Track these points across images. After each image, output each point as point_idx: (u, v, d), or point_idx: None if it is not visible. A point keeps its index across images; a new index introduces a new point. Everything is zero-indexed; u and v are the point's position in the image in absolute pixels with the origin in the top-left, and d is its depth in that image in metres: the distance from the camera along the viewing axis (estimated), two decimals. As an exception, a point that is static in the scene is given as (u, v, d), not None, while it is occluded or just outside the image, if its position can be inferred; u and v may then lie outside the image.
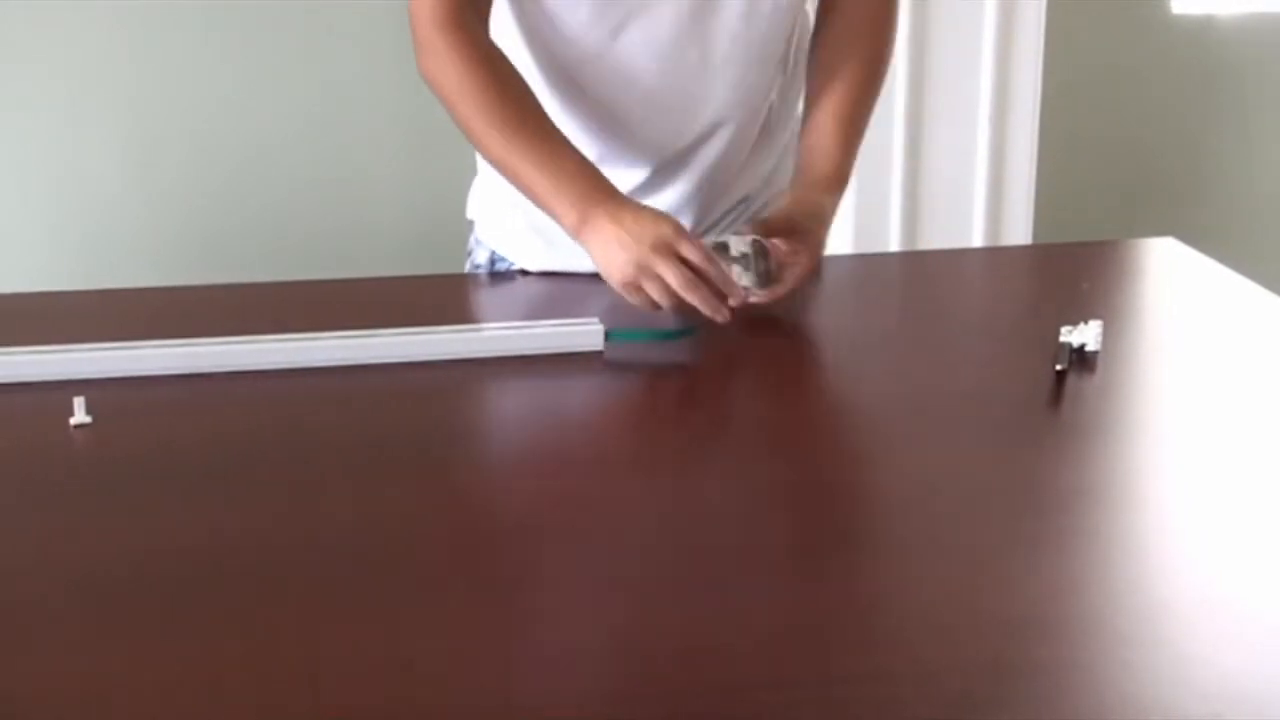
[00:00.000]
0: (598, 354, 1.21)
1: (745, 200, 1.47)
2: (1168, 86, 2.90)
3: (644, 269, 1.21)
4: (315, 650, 0.76)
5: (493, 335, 1.23)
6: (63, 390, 1.10)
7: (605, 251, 1.24)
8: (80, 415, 1.07)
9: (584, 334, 1.22)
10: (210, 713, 0.71)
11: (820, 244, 1.30)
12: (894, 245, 2.45)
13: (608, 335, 1.22)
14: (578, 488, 0.99)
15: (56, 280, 2.42)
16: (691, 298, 1.21)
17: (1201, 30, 2.87)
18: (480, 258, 1.53)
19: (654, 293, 1.22)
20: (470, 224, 1.55)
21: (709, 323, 1.22)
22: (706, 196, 1.44)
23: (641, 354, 1.22)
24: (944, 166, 2.45)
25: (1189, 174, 2.96)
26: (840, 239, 2.38)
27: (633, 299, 1.24)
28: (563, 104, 1.38)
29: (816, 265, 1.29)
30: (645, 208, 1.28)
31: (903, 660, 0.75)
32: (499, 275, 1.49)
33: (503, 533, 0.92)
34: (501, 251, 1.50)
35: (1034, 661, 0.75)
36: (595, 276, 1.28)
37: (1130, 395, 1.16)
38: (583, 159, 1.30)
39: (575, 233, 1.27)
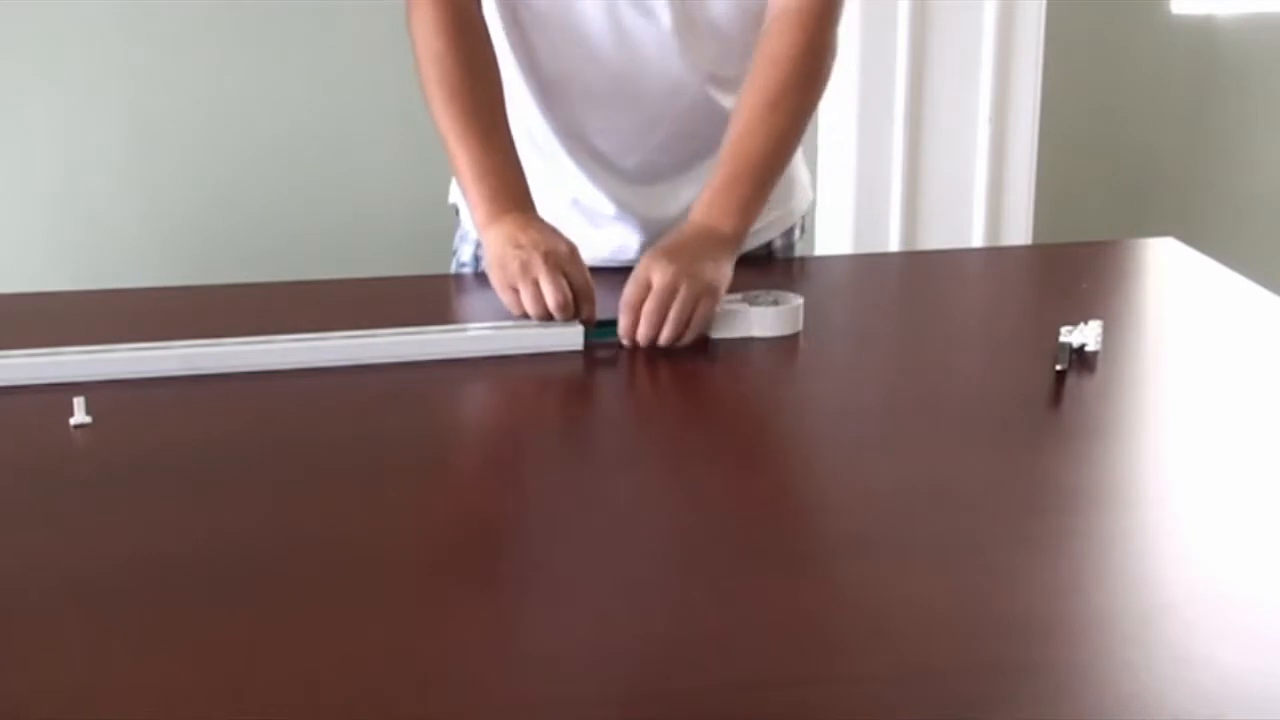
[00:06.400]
0: (596, 352, 1.21)
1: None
2: (1168, 86, 2.90)
3: (526, 273, 1.22)
4: (315, 650, 0.76)
5: (478, 335, 1.23)
6: (63, 391, 1.10)
7: (500, 247, 1.25)
8: (80, 415, 1.07)
9: (564, 335, 1.22)
10: (209, 713, 0.71)
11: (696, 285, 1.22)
12: (894, 245, 2.46)
13: (588, 334, 1.22)
14: (576, 487, 0.99)
15: (56, 280, 2.42)
16: (559, 314, 1.21)
17: (1201, 30, 2.88)
18: (465, 255, 1.53)
19: (526, 299, 1.22)
20: (454, 209, 1.56)
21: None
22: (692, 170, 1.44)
23: (639, 353, 1.22)
24: (944, 166, 2.45)
25: (1189, 174, 2.96)
26: (841, 239, 2.39)
27: (504, 297, 1.25)
28: (546, 98, 1.40)
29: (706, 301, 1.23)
30: (553, 227, 1.28)
31: (903, 660, 0.75)
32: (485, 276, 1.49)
33: (501, 532, 0.92)
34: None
35: (1034, 661, 0.75)
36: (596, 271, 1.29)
37: (1130, 395, 1.16)
38: (516, 162, 1.31)
39: (482, 225, 1.29)
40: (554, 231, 1.28)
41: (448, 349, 1.21)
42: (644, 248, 1.43)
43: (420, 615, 0.80)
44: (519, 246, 1.23)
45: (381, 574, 0.85)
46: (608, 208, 1.43)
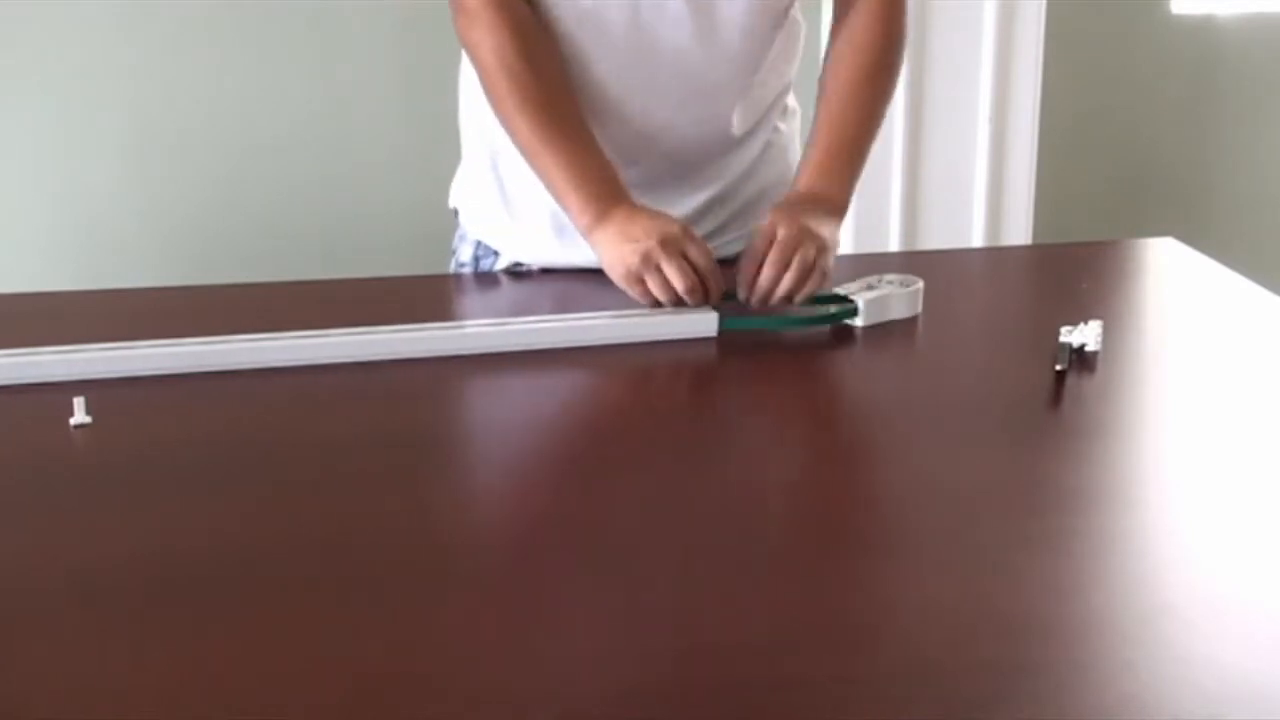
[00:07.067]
0: (595, 355, 1.21)
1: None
2: (1168, 86, 2.90)
3: (648, 263, 1.24)
4: (316, 650, 0.76)
5: (612, 323, 1.24)
6: (63, 390, 1.10)
7: (614, 246, 1.26)
8: (80, 415, 1.07)
9: (699, 321, 1.25)
10: (210, 713, 0.71)
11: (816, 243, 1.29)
12: (894, 245, 2.46)
13: (723, 323, 1.25)
14: (579, 487, 0.99)
15: (56, 280, 2.42)
16: (689, 298, 1.24)
17: (1201, 30, 2.87)
18: (465, 255, 1.53)
19: (654, 287, 1.24)
20: (454, 213, 1.56)
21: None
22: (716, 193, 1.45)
23: (638, 355, 1.22)
24: (944, 166, 2.45)
25: (1188, 174, 2.96)
26: (840, 238, 2.39)
27: (633, 291, 1.27)
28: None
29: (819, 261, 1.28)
30: (658, 212, 1.30)
31: (903, 660, 0.75)
32: (520, 274, 1.49)
33: (504, 532, 0.92)
34: (488, 241, 1.50)
35: (1034, 661, 0.75)
36: (592, 273, 1.29)
37: (1130, 395, 1.16)
38: (605, 159, 1.32)
39: (588, 229, 1.29)
40: (663, 216, 1.29)
41: (576, 337, 1.22)
42: None
43: (420, 614, 0.80)
44: (634, 240, 1.25)
45: (383, 573, 0.85)
46: None
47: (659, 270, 1.24)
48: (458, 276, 1.53)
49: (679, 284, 1.24)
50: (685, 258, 1.25)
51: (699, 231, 1.47)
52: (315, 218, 2.56)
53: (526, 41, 1.32)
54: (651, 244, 1.24)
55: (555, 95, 1.32)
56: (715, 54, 1.35)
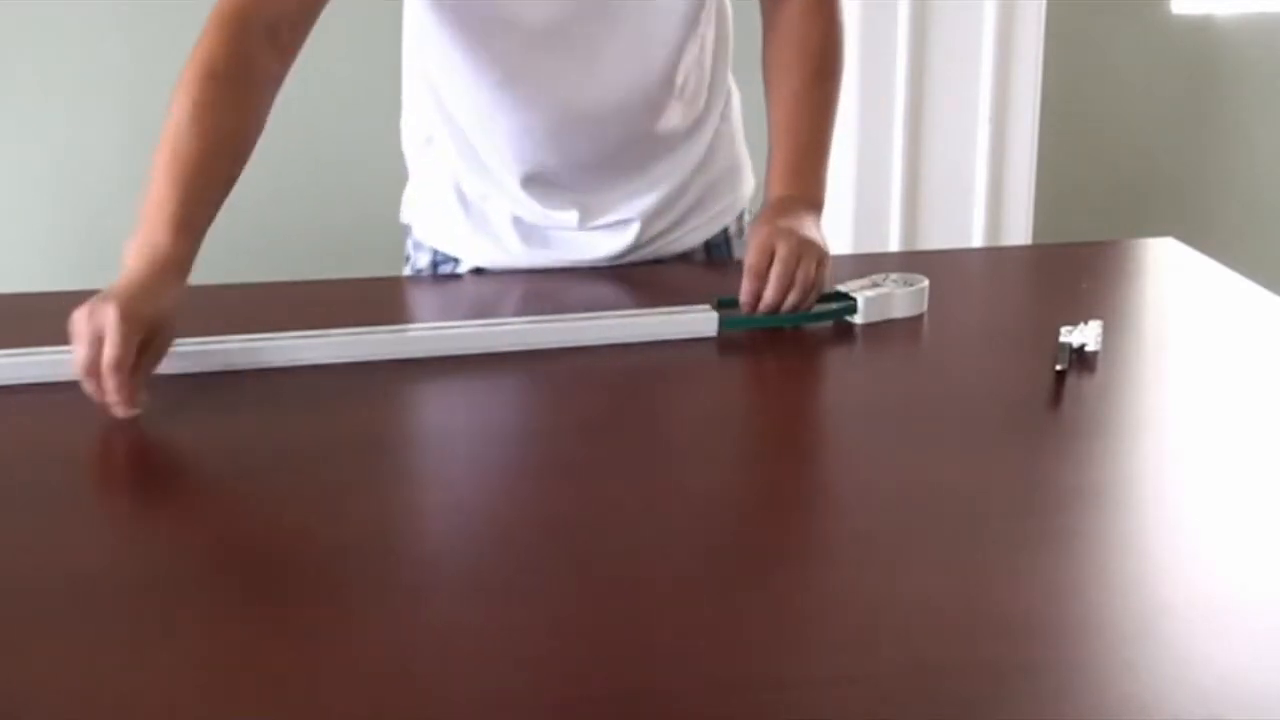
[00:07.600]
0: (594, 355, 1.21)
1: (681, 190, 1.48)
2: (1168, 86, 2.90)
3: (73, 331, 1.08)
4: (315, 651, 0.76)
5: (610, 323, 1.25)
6: (63, 390, 1.10)
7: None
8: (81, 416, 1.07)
9: (699, 320, 1.25)
10: (210, 713, 0.71)
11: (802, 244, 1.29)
12: (894, 245, 2.46)
13: (723, 324, 1.25)
14: (578, 487, 0.99)
15: (56, 280, 2.42)
16: (83, 382, 1.07)
17: (1201, 30, 2.88)
18: (422, 262, 1.52)
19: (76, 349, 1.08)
20: (406, 228, 1.55)
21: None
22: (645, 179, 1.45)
23: (638, 355, 1.22)
24: (944, 166, 2.45)
25: (1188, 174, 2.96)
26: (840, 239, 2.39)
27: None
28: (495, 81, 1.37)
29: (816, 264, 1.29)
30: (143, 296, 1.12)
31: (903, 659, 0.75)
32: (521, 274, 1.49)
33: (502, 532, 0.92)
34: (445, 249, 1.49)
35: (1034, 661, 0.75)
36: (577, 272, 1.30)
37: (1130, 395, 1.16)
38: (188, 226, 1.24)
39: (125, 253, 1.19)
40: (128, 301, 1.10)
41: (576, 337, 1.23)
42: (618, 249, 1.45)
43: (419, 615, 0.80)
44: (98, 301, 1.09)
45: (382, 575, 0.85)
46: (571, 219, 1.43)
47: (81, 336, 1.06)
48: (456, 277, 1.53)
49: (77, 364, 1.06)
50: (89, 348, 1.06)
51: (656, 228, 1.47)
52: (314, 218, 2.57)
53: (226, 81, 1.31)
54: (85, 317, 1.07)
55: (207, 143, 1.30)
56: (632, 61, 1.35)
